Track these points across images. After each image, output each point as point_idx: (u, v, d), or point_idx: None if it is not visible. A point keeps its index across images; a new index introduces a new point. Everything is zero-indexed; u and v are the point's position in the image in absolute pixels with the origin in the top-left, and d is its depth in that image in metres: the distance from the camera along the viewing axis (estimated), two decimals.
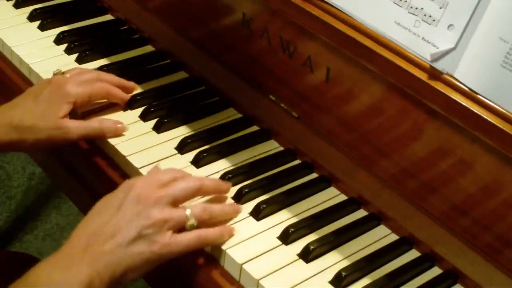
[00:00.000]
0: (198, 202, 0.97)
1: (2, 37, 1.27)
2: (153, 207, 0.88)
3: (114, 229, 0.87)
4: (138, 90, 1.18)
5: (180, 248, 0.89)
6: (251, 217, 0.99)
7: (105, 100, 1.13)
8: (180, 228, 0.90)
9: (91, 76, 1.11)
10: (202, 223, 0.92)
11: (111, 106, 1.14)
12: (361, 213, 1.03)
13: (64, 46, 1.26)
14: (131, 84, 1.16)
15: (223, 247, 0.93)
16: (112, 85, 1.12)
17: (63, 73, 1.11)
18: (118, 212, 0.88)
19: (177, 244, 0.88)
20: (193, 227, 0.91)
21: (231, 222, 0.97)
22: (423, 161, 0.95)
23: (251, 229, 0.97)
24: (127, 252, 0.86)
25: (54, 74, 1.11)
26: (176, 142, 1.09)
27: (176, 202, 0.91)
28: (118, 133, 1.08)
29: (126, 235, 0.86)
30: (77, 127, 1.05)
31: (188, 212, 0.90)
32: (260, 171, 1.06)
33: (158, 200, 0.89)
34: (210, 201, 0.99)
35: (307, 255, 0.94)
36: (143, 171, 1.02)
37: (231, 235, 0.95)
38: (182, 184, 0.93)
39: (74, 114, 1.08)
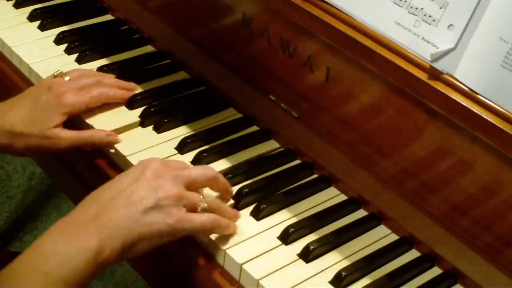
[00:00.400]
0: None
1: (2, 37, 1.27)
2: (170, 182, 0.89)
3: (130, 198, 0.87)
4: (138, 90, 1.18)
5: (193, 226, 0.89)
6: (251, 217, 0.99)
7: None
8: (193, 209, 0.91)
9: (91, 81, 1.11)
10: (212, 210, 0.93)
11: (111, 105, 1.14)
12: (361, 213, 1.03)
13: (64, 46, 1.27)
14: (131, 85, 1.16)
15: (223, 247, 0.93)
16: (111, 88, 1.12)
17: (64, 74, 1.11)
18: (134, 183, 0.89)
19: (191, 220, 0.89)
20: (205, 211, 0.91)
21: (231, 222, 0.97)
22: (423, 161, 0.95)
23: (251, 229, 0.97)
24: (141, 220, 0.86)
25: (55, 76, 1.11)
26: (176, 142, 1.09)
27: (190, 185, 0.92)
28: (110, 145, 1.07)
29: (143, 203, 0.87)
30: (68, 137, 1.04)
31: (201, 196, 0.92)
32: (260, 171, 1.06)
33: (175, 178, 0.91)
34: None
35: (307, 255, 0.94)
36: None
37: (235, 230, 0.95)
38: (198, 169, 0.95)
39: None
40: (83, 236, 0.83)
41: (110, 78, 1.15)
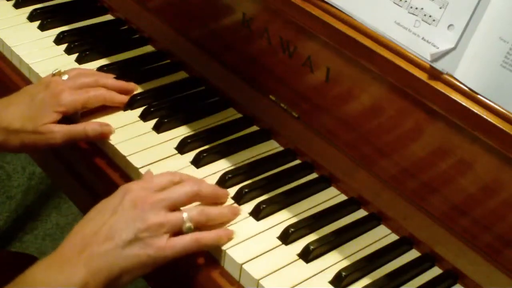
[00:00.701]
0: (195, 205, 0.96)
1: (2, 37, 1.27)
2: (149, 211, 0.88)
3: (110, 231, 0.87)
4: (138, 90, 1.18)
5: (175, 252, 0.89)
6: (251, 217, 0.99)
7: None
8: (177, 231, 0.90)
9: (89, 81, 1.10)
10: (199, 226, 0.92)
11: (110, 107, 1.14)
12: (361, 213, 1.03)
13: (64, 46, 1.27)
14: (131, 86, 1.16)
15: (223, 247, 0.93)
16: (110, 90, 1.12)
17: (62, 73, 1.11)
18: (114, 215, 0.88)
19: (172, 247, 0.88)
20: (190, 230, 0.90)
21: (231, 222, 0.97)
22: (423, 161, 0.95)
23: (251, 229, 0.97)
24: (122, 254, 0.86)
25: (53, 75, 1.11)
26: (176, 142, 1.09)
27: (172, 207, 0.91)
28: (104, 135, 1.07)
29: (122, 237, 0.86)
30: (61, 131, 1.04)
31: (184, 215, 0.90)
32: (260, 171, 1.06)
33: (155, 204, 0.89)
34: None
35: (307, 255, 0.94)
36: (143, 171, 1.02)
37: (229, 237, 0.94)
38: (179, 189, 0.92)
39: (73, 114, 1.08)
40: (70, 270, 0.84)
41: (108, 78, 1.14)
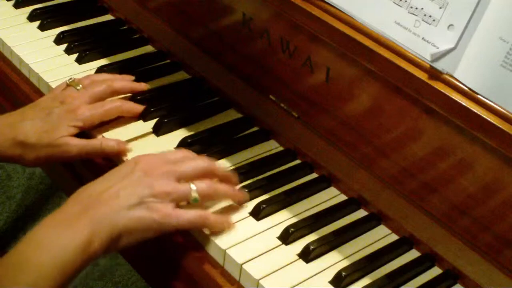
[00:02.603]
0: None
1: (2, 37, 1.27)
2: (158, 179, 0.91)
3: (117, 193, 0.89)
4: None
5: (179, 222, 0.90)
6: (251, 217, 0.99)
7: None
8: (183, 201, 0.92)
9: (103, 89, 1.09)
10: (206, 198, 0.93)
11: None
12: (361, 213, 1.03)
13: (64, 46, 1.26)
14: (142, 86, 1.16)
15: (223, 247, 0.93)
16: (125, 101, 1.11)
17: (76, 83, 1.09)
18: (123, 180, 0.90)
19: (177, 217, 0.90)
20: (196, 201, 0.92)
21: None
22: (423, 161, 0.95)
23: (251, 229, 0.97)
24: (127, 214, 0.88)
25: (68, 85, 1.10)
26: (176, 142, 1.09)
27: (182, 178, 0.93)
28: (121, 153, 1.06)
29: (128, 199, 0.88)
30: (77, 145, 1.04)
31: (192, 186, 0.92)
32: (260, 171, 1.06)
33: (165, 173, 0.91)
34: None
35: (307, 255, 0.94)
36: None
37: (230, 227, 0.95)
38: (192, 162, 0.95)
39: None
40: (74, 229, 0.85)
41: (122, 80, 1.14)
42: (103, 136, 1.08)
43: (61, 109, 1.05)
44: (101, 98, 1.09)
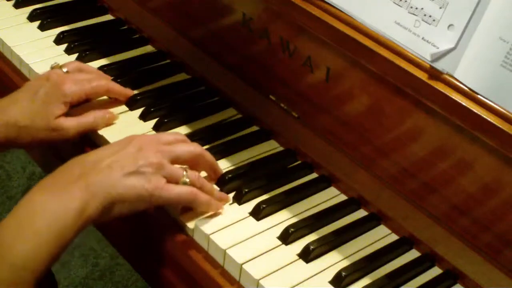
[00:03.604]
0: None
1: (2, 37, 1.27)
2: (153, 154, 0.93)
3: (112, 163, 0.90)
4: (138, 90, 1.18)
5: (170, 195, 0.92)
6: (251, 217, 0.99)
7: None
8: (174, 182, 0.93)
9: (90, 77, 1.11)
10: (194, 186, 0.95)
11: (112, 102, 1.15)
12: (361, 213, 1.03)
13: (64, 46, 1.26)
14: (128, 91, 1.15)
15: (223, 247, 0.93)
16: (112, 82, 1.13)
17: (61, 66, 1.11)
18: (118, 152, 0.92)
19: (168, 190, 0.92)
20: (185, 184, 0.94)
21: (231, 221, 0.97)
22: (423, 161, 0.95)
23: (251, 229, 0.97)
24: (121, 182, 0.89)
25: (52, 68, 1.11)
26: None
27: (174, 160, 0.95)
28: (109, 123, 1.09)
29: (123, 168, 0.90)
30: (73, 125, 1.05)
31: (184, 172, 0.94)
32: (260, 171, 1.06)
33: (159, 152, 0.93)
34: None
35: (307, 255, 0.94)
36: None
37: (218, 208, 0.97)
38: (184, 146, 0.97)
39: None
40: (70, 194, 0.87)
41: (107, 78, 1.15)
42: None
43: (47, 86, 1.06)
44: (88, 80, 1.11)
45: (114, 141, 0.97)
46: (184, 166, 0.97)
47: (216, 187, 1.01)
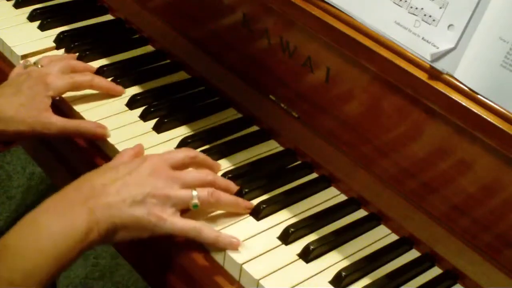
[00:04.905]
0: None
1: (2, 37, 1.27)
2: (162, 181, 0.91)
3: (121, 188, 0.89)
4: (138, 90, 1.18)
5: (173, 229, 0.91)
6: (251, 217, 0.99)
7: None
8: (184, 207, 0.92)
9: (66, 63, 1.13)
10: (207, 206, 0.94)
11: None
12: (361, 213, 1.03)
13: (64, 46, 1.26)
14: (117, 88, 1.17)
15: None
16: (96, 75, 1.15)
17: (35, 64, 1.12)
18: (128, 175, 0.91)
19: (172, 223, 0.91)
20: (196, 207, 0.93)
21: (231, 221, 0.97)
22: (423, 161, 0.95)
23: (251, 229, 0.97)
24: (126, 210, 0.89)
25: (26, 67, 1.12)
26: (176, 142, 1.09)
27: (185, 186, 0.94)
28: (98, 137, 1.08)
29: (131, 196, 0.89)
30: (57, 124, 1.05)
31: (194, 193, 0.93)
32: (260, 171, 1.06)
33: (169, 178, 0.92)
34: None
35: (307, 255, 0.94)
36: None
37: (231, 245, 0.93)
38: (196, 174, 0.96)
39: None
40: (75, 215, 0.86)
41: (79, 62, 1.18)
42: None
43: (30, 81, 1.07)
44: (65, 70, 1.12)
45: (126, 157, 0.96)
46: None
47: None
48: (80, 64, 1.17)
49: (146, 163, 0.93)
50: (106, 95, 1.15)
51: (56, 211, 0.87)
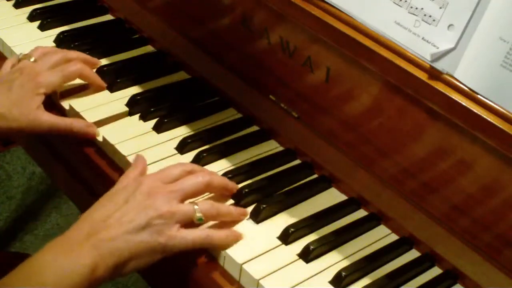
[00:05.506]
0: (203, 198, 0.98)
1: (2, 37, 1.27)
2: (161, 200, 0.90)
3: (122, 218, 0.87)
4: (138, 90, 1.18)
5: (185, 243, 0.90)
6: (251, 218, 0.99)
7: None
8: (188, 222, 0.91)
9: (59, 58, 1.13)
10: (209, 218, 0.93)
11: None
12: (361, 213, 1.03)
13: (64, 46, 1.26)
14: (94, 60, 1.19)
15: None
16: (83, 64, 1.14)
17: (28, 56, 1.12)
18: (126, 204, 0.89)
19: (182, 238, 0.89)
20: (201, 221, 0.92)
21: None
22: (423, 161, 0.95)
23: (251, 229, 0.97)
24: (133, 240, 0.87)
25: (20, 60, 1.12)
26: (176, 142, 1.09)
27: (185, 197, 0.92)
28: (88, 136, 1.08)
29: (133, 224, 0.87)
30: (48, 121, 1.06)
31: (196, 206, 0.92)
32: (260, 171, 1.06)
33: (167, 194, 0.91)
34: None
35: (307, 255, 0.94)
36: None
37: (237, 240, 0.94)
38: (191, 179, 0.94)
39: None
40: (78, 254, 0.84)
41: (75, 52, 1.17)
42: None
43: (22, 79, 1.07)
44: (57, 66, 1.12)
45: (118, 187, 0.93)
46: (195, 199, 0.95)
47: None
48: (72, 53, 1.17)
49: (142, 186, 0.91)
50: (106, 94, 1.15)
51: (58, 250, 0.85)
